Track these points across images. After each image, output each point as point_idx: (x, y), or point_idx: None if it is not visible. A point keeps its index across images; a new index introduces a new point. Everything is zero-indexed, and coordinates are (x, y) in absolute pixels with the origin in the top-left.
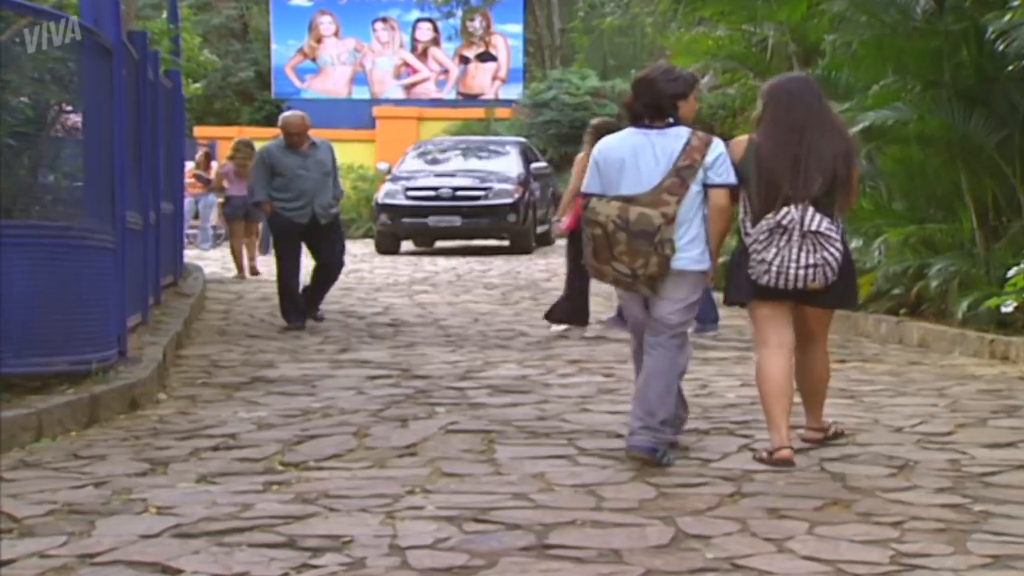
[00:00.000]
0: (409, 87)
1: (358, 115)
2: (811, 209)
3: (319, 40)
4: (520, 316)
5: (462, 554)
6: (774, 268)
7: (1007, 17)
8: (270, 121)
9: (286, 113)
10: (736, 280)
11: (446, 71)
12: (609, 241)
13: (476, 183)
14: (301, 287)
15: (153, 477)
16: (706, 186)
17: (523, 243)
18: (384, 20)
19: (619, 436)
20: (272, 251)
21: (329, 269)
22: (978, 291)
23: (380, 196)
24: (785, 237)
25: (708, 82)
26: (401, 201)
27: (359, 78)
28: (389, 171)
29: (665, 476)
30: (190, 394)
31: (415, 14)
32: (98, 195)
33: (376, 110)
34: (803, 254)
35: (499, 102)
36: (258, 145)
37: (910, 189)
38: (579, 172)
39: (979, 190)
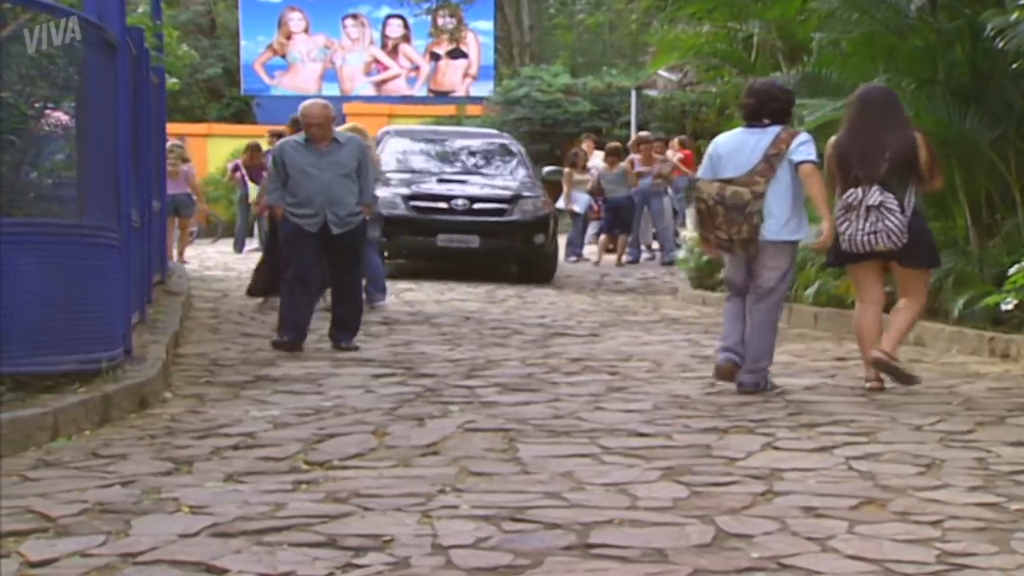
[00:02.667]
0: (379, 84)
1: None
2: (874, 187)
3: (289, 36)
4: (509, 314)
5: (506, 553)
6: (847, 236)
7: (1014, 15)
8: (238, 118)
9: (306, 102)
10: (832, 250)
11: (417, 68)
12: (711, 213)
13: (498, 192)
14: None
15: (179, 476)
16: (795, 165)
17: (545, 270)
18: (354, 16)
19: (640, 435)
20: (245, 250)
21: (339, 289)
22: (973, 289)
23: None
24: (854, 212)
25: (680, 79)
26: (402, 212)
27: (329, 75)
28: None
29: (694, 475)
30: (196, 393)
31: (385, 10)
32: (103, 192)
33: (346, 107)
34: (866, 223)
35: (470, 99)
36: (214, 143)
37: None
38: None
39: (973, 188)
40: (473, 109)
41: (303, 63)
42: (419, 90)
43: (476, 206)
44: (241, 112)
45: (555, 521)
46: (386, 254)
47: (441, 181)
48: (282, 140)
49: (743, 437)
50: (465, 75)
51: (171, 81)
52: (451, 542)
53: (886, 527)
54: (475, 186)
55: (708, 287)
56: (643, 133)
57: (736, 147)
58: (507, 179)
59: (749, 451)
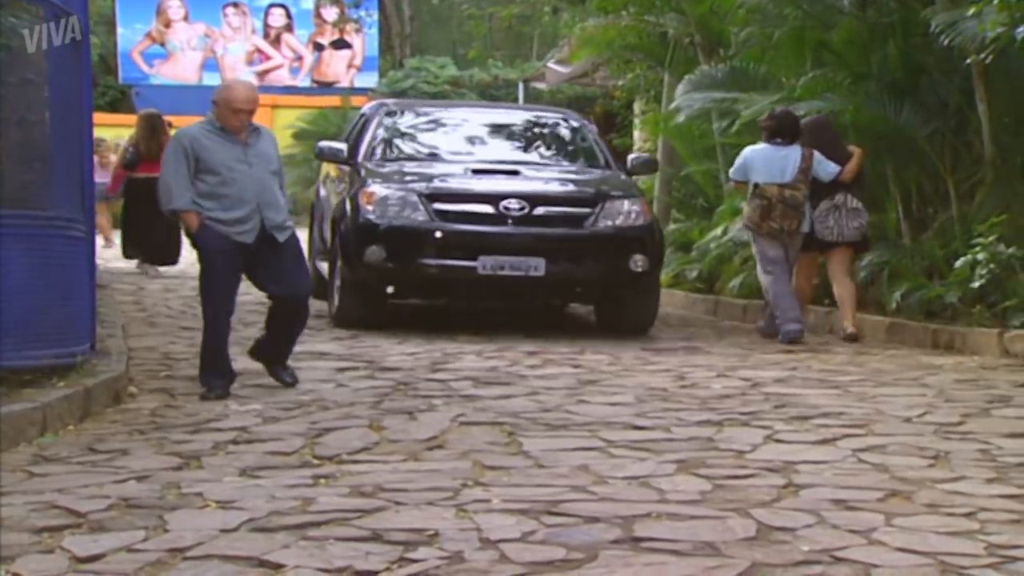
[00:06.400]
0: (262, 74)
1: (209, 102)
2: (849, 194)
3: (168, 24)
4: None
5: (557, 548)
6: (835, 230)
7: (971, 11)
8: (114, 107)
9: (231, 81)
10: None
11: (300, 58)
12: (771, 208)
13: (573, 189)
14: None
15: (191, 471)
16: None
17: (642, 314)
18: (235, 5)
19: (637, 428)
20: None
21: (294, 304)
22: (907, 281)
23: (365, 208)
24: (839, 211)
25: (570, 72)
26: (420, 220)
27: (210, 64)
28: (349, 157)
29: (709, 468)
30: (161, 387)
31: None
32: (69, 184)
33: None
34: (851, 221)
35: (355, 90)
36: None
37: None
38: (123, 153)
39: (904, 181)
40: (358, 100)
41: (183, 52)
42: (303, 80)
43: (540, 211)
44: (116, 101)
45: (593, 515)
46: (391, 290)
47: (479, 173)
48: (188, 128)
49: (740, 430)
50: (349, 66)
51: None
52: (498, 536)
53: (922, 520)
54: (534, 180)
55: None
56: None
57: (767, 158)
58: (579, 171)
59: (753, 444)
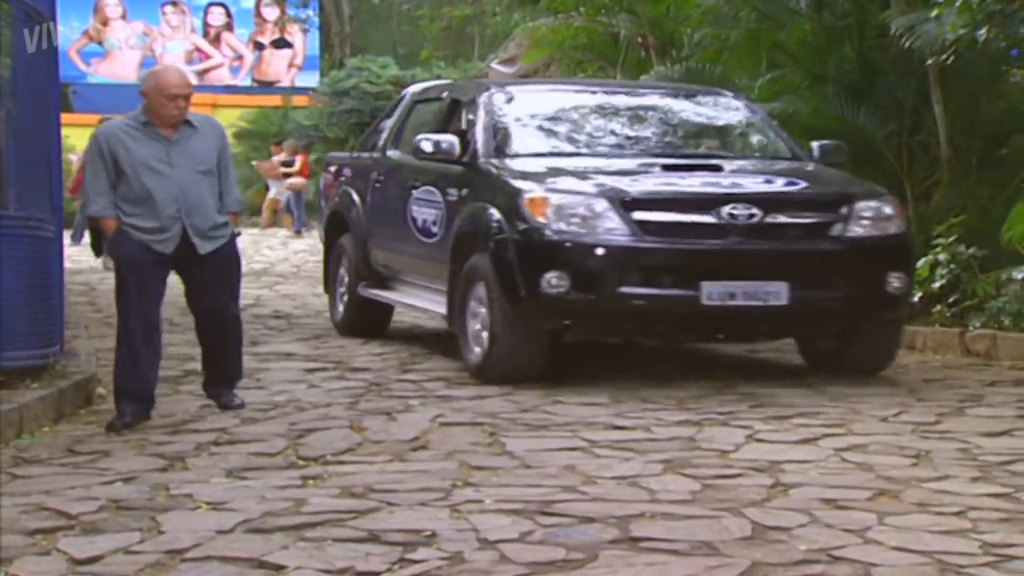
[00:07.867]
0: (202, 73)
1: None
2: None
3: (105, 22)
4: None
5: (556, 548)
6: None
7: (934, 12)
8: None
9: (161, 67)
10: None
11: (240, 57)
12: None
13: (805, 190)
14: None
15: (178, 473)
16: None
17: (883, 348)
18: (174, 3)
19: (617, 428)
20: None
21: (218, 323)
22: None
23: (535, 220)
24: None
25: (515, 72)
26: (620, 235)
27: (149, 63)
28: (442, 151)
29: (695, 468)
30: None
31: None
32: (38, 184)
33: None
34: None
35: (296, 89)
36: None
37: None
38: (85, 157)
39: None
40: (299, 99)
41: (121, 50)
42: (243, 80)
43: (774, 218)
44: None
45: (587, 515)
46: (566, 321)
47: (672, 169)
48: (109, 123)
49: (721, 430)
50: (290, 65)
51: None
52: (496, 537)
53: (914, 519)
54: (750, 176)
55: None
56: None
57: None
58: (787, 164)
59: (736, 444)
